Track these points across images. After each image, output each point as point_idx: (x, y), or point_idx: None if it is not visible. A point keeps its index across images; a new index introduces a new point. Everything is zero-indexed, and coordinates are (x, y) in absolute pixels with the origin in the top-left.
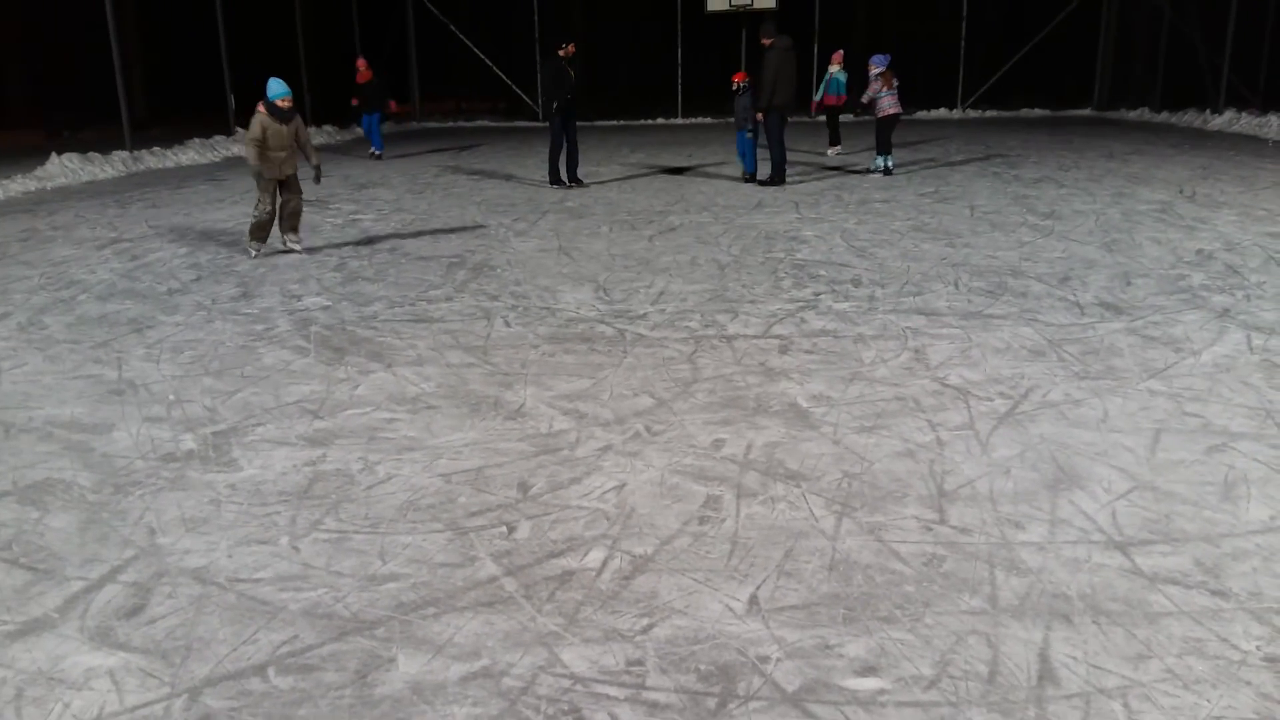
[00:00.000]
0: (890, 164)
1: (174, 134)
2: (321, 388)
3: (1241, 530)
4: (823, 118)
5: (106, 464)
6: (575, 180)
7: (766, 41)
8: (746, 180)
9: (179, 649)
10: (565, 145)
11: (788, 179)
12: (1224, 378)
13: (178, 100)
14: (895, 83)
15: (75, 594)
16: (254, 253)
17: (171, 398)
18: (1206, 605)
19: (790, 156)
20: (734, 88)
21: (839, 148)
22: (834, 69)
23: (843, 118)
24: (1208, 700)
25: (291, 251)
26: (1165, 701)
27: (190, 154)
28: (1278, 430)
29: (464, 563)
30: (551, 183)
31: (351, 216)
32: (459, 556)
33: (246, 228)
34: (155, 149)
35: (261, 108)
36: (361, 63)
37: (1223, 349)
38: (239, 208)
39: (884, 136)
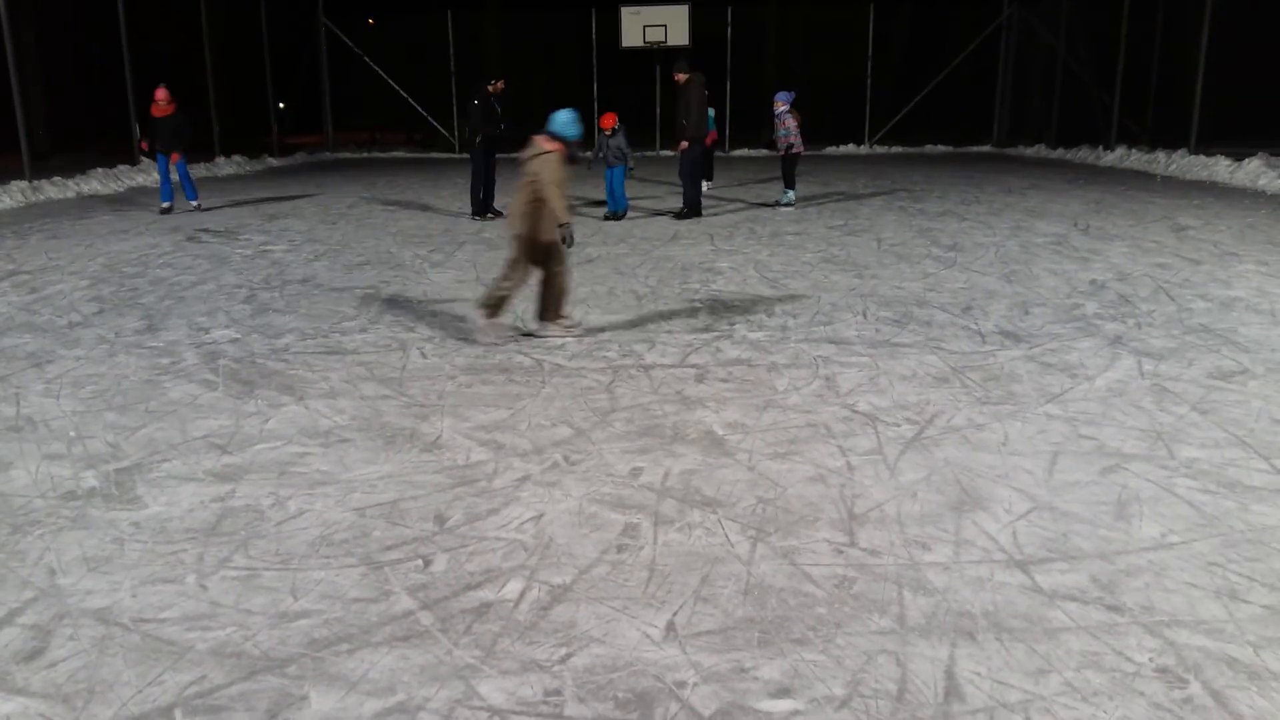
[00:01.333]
0: (791, 198)
1: (76, 164)
2: (230, 422)
3: (1134, 547)
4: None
5: (4, 503)
6: (493, 211)
7: (683, 78)
8: (609, 218)
9: (81, 692)
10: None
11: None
12: (1117, 402)
13: (81, 130)
14: (799, 118)
15: None
16: (490, 338)
17: (72, 434)
18: (1102, 620)
19: (674, 191)
20: (608, 132)
21: (710, 183)
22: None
23: (718, 153)
24: (1104, 712)
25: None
26: (1065, 714)
27: (93, 184)
28: (1168, 452)
29: (379, 597)
30: (474, 214)
31: (262, 247)
32: (373, 591)
33: (481, 299)
34: (56, 179)
35: (551, 144)
36: (161, 94)
37: (1115, 374)
38: (144, 238)
39: (791, 171)
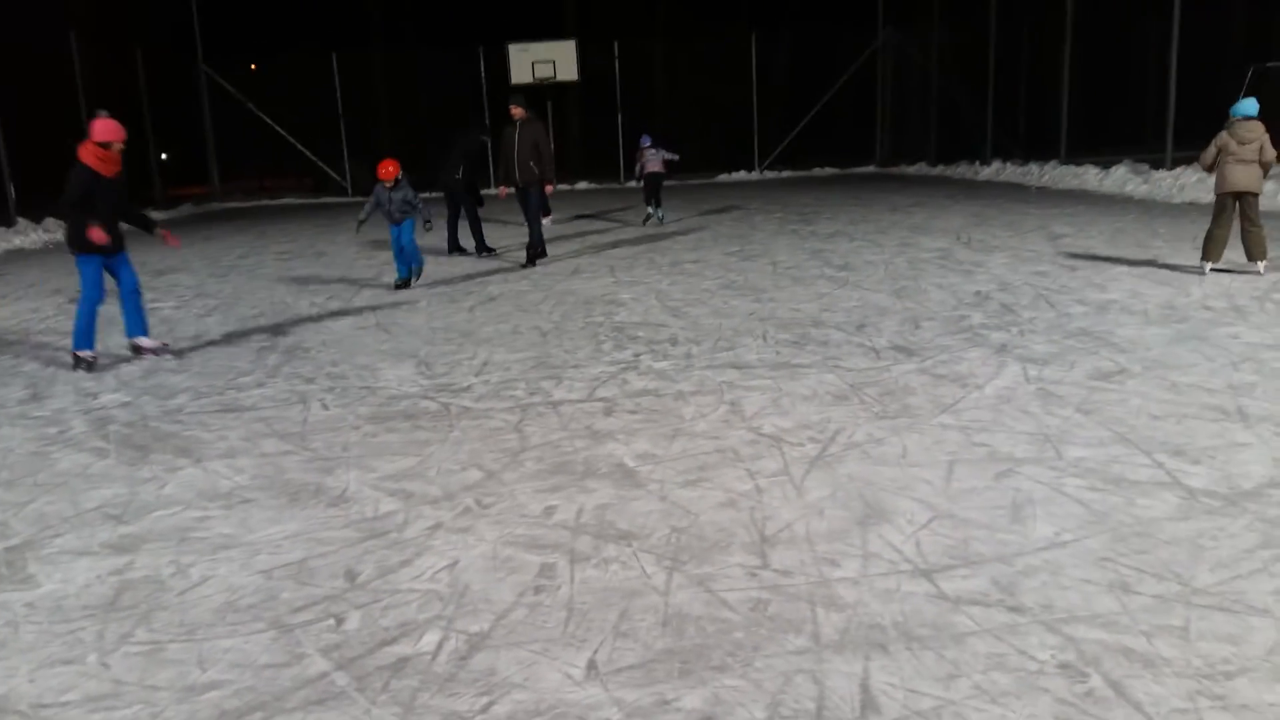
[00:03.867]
0: (662, 214)
1: None
2: (125, 490)
3: (1030, 548)
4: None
5: None
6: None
7: (521, 113)
8: (399, 287)
9: None
10: (467, 214)
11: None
12: (1006, 408)
13: None
14: (659, 150)
15: None
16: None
17: None
18: (1005, 621)
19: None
20: (389, 184)
21: (552, 217)
22: None
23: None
24: (1013, 711)
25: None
26: (975, 717)
27: None
28: (1056, 453)
29: (290, 661)
30: (450, 250)
31: (150, 304)
32: (285, 655)
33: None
34: None
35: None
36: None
37: (1003, 381)
38: (24, 303)
39: (657, 192)
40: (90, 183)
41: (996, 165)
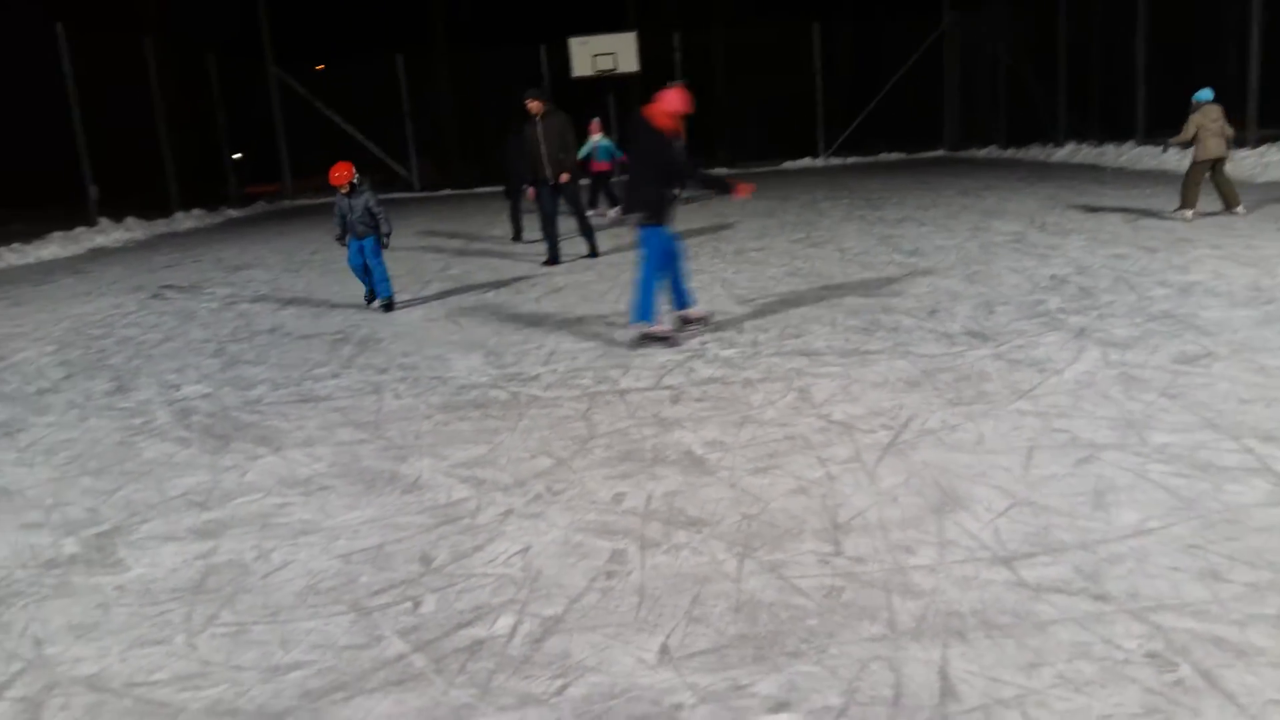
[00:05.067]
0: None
1: (34, 229)
2: (208, 478)
3: (1114, 536)
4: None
5: None
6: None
7: (540, 106)
8: (379, 306)
9: None
10: (553, 216)
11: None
12: (1086, 393)
13: (36, 194)
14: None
15: None
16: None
17: (49, 501)
18: (1089, 610)
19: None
20: (344, 189)
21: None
22: (596, 137)
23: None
24: (1098, 701)
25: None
26: (1059, 706)
27: (52, 248)
28: (1139, 439)
29: (370, 643)
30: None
31: (228, 300)
32: (364, 637)
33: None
34: (15, 245)
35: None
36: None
37: (1082, 366)
38: (107, 299)
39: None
40: (667, 148)
41: (1070, 147)
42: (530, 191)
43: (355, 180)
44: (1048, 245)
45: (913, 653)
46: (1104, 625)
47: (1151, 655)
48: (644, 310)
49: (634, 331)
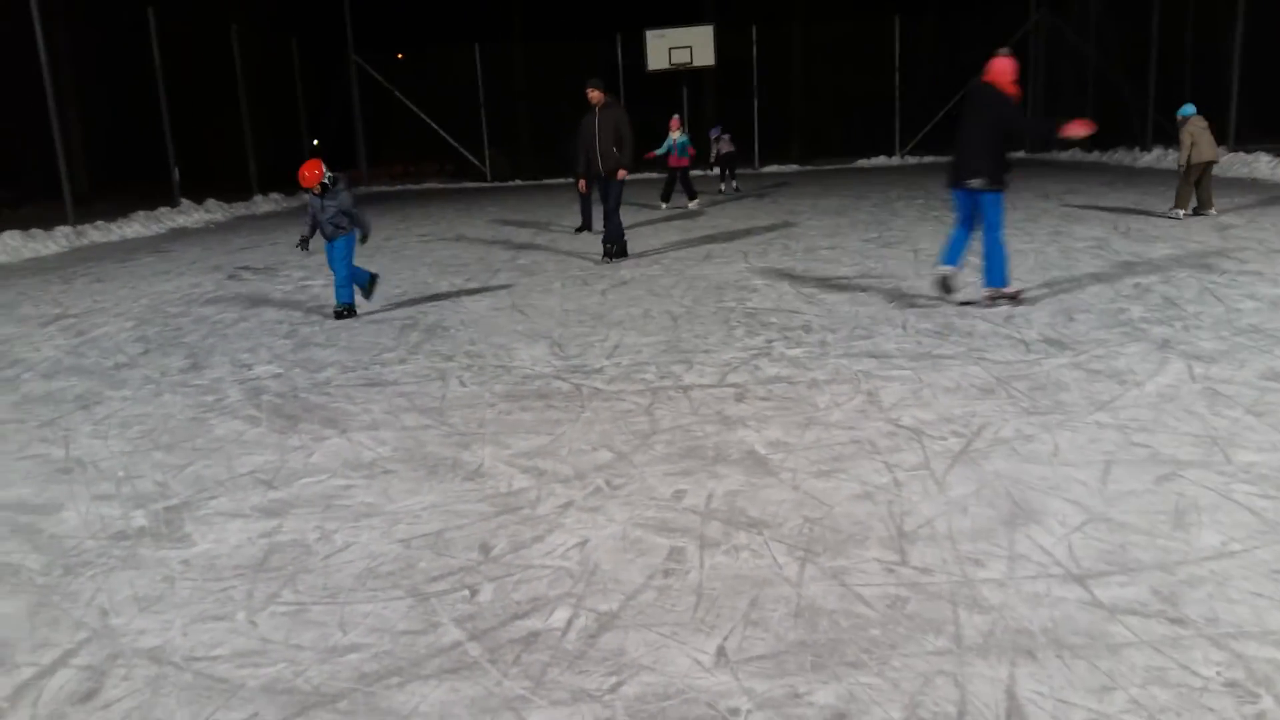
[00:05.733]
0: (737, 185)
1: (118, 207)
2: (275, 457)
3: (1195, 557)
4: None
5: (55, 545)
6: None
7: (599, 97)
8: (335, 311)
9: None
10: (613, 197)
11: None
12: (1168, 407)
13: (121, 174)
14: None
15: (26, 681)
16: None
17: (121, 474)
18: (1166, 634)
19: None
20: (315, 190)
21: (698, 200)
22: (675, 134)
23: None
24: None
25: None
26: None
27: (135, 227)
28: (1224, 457)
29: (426, 629)
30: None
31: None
32: (421, 623)
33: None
34: (99, 223)
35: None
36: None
37: (1165, 379)
38: (185, 278)
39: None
40: (1017, 113)
41: (1158, 151)
42: (581, 183)
43: (327, 180)
44: (1131, 252)
45: (979, 669)
46: (1181, 650)
47: (1231, 684)
48: (998, 274)
49: (986, 294)
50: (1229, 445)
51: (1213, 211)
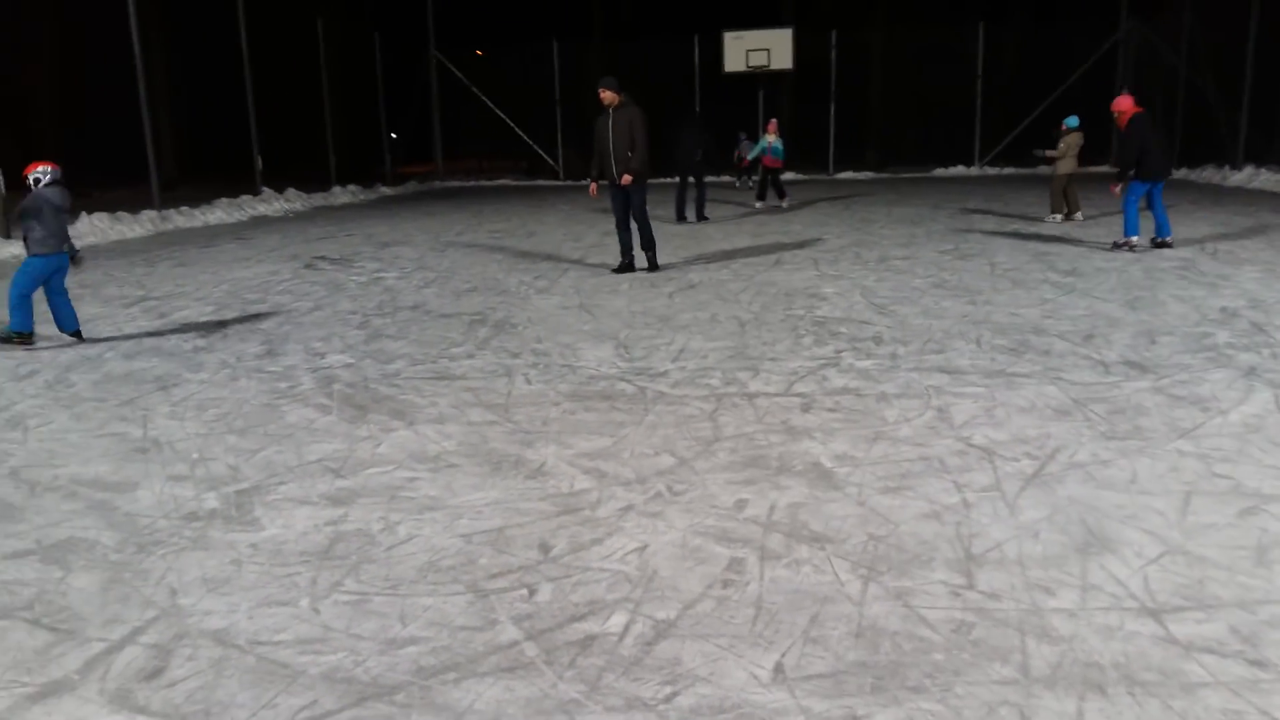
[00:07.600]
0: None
1: (202, 194)
2: (344, 446)
3: (1278, 597)
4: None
5: (129, 523)
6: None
7: (613, 97)
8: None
9: (198, 713)
10: (699, 189)
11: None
12: (1254, 438)
13: (206, 161)
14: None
15: (96, 655)
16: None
17: (195, 456)
18: (1244, 675)
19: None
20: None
21: (787, 199)
22: (771, 138)
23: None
24: None
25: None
26: None
27: (218, 213)
28: None
29: (484, 626)
30: (699, 218)
31: (375, 274)
32: (479, 619)
33: None
34: (183, 209)
35: None
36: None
37: (1251, 408)
38: (264, 266)
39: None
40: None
41: (1249, 171)
42: (591, 187)
43: (37, 175)
44: (1218, 274)
45: (1046, 702)
46: (1260, 694)
47: None
48: (1131, 225)
49: (1115, 239)
50: None
51: (1078, 217)
